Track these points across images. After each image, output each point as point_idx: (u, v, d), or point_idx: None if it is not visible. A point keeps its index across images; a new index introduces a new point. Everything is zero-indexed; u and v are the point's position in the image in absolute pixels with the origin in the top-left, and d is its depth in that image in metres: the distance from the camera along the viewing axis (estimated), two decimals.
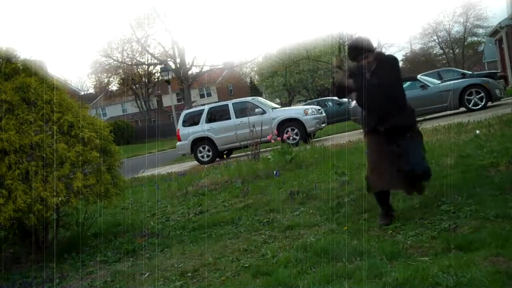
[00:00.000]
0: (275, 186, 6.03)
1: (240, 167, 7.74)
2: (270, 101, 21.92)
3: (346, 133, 14.52)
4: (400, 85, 3.86)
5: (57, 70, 77.87)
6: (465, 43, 45.54)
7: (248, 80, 50.80)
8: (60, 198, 4.15)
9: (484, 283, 2.38)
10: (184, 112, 14.53)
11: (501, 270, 2.49)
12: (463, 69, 23.61)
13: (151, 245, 4.48)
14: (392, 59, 3.71)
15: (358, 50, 3.62)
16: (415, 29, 47.74)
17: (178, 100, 42.71)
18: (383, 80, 3.58)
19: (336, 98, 13.25)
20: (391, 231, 3.49)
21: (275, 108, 13.88)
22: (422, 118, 10.74)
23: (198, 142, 13.18)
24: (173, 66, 30.16)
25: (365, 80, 3.61)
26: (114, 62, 36.76)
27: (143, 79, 43.76)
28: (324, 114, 13.89)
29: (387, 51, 33.89)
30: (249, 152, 8.69)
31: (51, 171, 4.21)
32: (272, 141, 9.59)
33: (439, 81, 13.66)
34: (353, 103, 14.46)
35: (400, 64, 4.27)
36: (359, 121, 13.05)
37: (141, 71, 42.45)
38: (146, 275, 3.64)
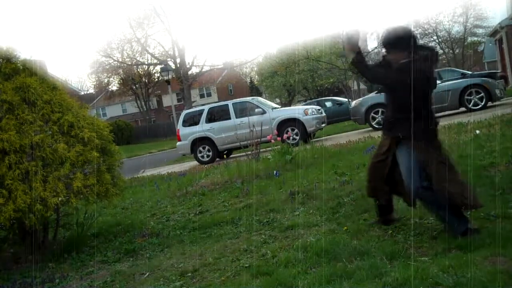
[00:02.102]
0: (275, 186, 6.03)
1: (240, 167, 7.73)
2: (270, 101, 21.90)
3: (346, 133, 14.55)
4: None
5: (57, 70, 77.80)
6: (465, 43, 45.53)
7: (248, 80, 50.79)
8: (60, 198, 4.16)
9: (484, 283, 2.37)
10: (184, 112, 14.52)
11: (501, 270, 2.49)
12: (463, 69, 23.59)
13: (151, 245, 4.48)
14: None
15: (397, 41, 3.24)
16: (415, 29, 47.74)
17: (178, 100, 42.71)
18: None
19: (336, 98, 13.21)
20: (391, 231, 3.49)
21: (275, 108, 13.87)
22: None
23: (198, 142, 13.16)
24: (173, 66, 30.13)
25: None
26: (114, 62, 36.72)
27: (143, 79, 43.73)
28: (324, 114, 13.88)
29: None
30: (249, 152, 8.68)
31: (51, 171, 4.21)
32: (272, 141, 9.57)
33: (439, 81, 13.66)
34: (353, 103, 14.46)
35: None
36: (360, 121, 13.12)
37: (141, 71, 42.43)
38: (146, 275, 3.64)
